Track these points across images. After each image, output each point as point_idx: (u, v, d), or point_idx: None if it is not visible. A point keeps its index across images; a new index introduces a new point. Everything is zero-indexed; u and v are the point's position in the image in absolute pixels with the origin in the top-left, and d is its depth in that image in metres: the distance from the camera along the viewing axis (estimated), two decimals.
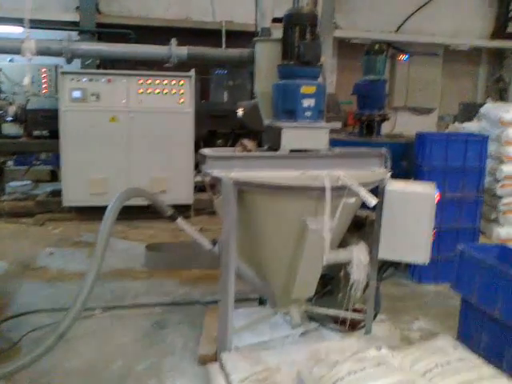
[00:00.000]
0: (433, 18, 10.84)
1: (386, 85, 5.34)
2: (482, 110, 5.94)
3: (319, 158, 3.32)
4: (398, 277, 5.05)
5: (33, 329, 3.78)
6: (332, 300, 3.82)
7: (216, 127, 7.54)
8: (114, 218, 2.96)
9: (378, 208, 3.32)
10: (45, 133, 6.91)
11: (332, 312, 3.70)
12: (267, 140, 3.53)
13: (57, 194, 6.83)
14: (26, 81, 4.14)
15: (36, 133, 6.99)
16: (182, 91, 6.52)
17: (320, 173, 3.07)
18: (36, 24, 9.16)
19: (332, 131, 6.71)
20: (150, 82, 6.40)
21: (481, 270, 3.02)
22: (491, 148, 5.33)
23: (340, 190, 3.00)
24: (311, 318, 3.91)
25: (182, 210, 6.98)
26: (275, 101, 3.38)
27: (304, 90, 3.24)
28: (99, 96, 6.32)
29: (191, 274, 5.04)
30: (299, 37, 3.22)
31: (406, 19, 10.92)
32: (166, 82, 6.45)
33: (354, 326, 3.79)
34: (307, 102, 3.27)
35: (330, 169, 3.21)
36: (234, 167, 3.14)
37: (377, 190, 3.31)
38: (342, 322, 3.81)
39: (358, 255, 3.33)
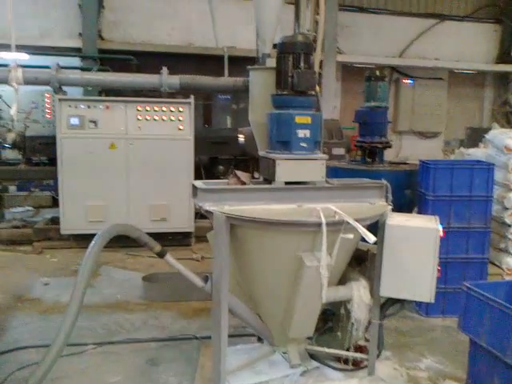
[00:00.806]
0: (436, 42, 10.82)
1: (387, 112, 5.23)
2: (488, 136, 5.81)
3: (316, 191, 3.19)
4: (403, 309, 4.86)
5: (20, 367, 3.63)
6: (333, 337, 3.65)
7: (217, 153, 7.45)
8: (96, 257, 2.83)
9: (379, 243, 3.17)
10: (44, 159, 6.84)
11: (333, 351, 3.52)
12: (262, 171, 3.41)
13: (56, 221, 6.72)
14: (13, 111, 4.06)
15: (35, 159, 6.92)
16: (181, 118, 6.44)
17: (316, 206, 2.94)
18: (40, 50, 9.32)
19: (334, 157, 6.62)
20: (148, 108, 6.33)
21: (490, 310, 2.84)
22: (498, 175, 5.18)
23: (337, 225, 2.86)
24: (312, 355, 3.73)
25: (182, 237, 6.91)
26: (269, 131, 3.28)
27: (298, 120, 3.14)
28: (97, 123, 6.25)
29: (189, 307, 4.87)
30: (293, 66, 3.12)
31: (410, 44, 10.90)
32: (165, 108, 6.37)
33: (357, 364, 3.61)
34: (302, 133, 3.15)
35: (327, 201, 3.08)
36: (226, 200, 3.02)
37: (377, 224, 3.18)
38: (345, 360, 3.64)
39: (358, 293, 3.17)
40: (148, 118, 6.40)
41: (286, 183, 3.20)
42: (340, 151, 7.22)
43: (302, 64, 3.15)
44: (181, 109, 6.46)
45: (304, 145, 3.18)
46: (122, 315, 4.66)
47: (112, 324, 4.46)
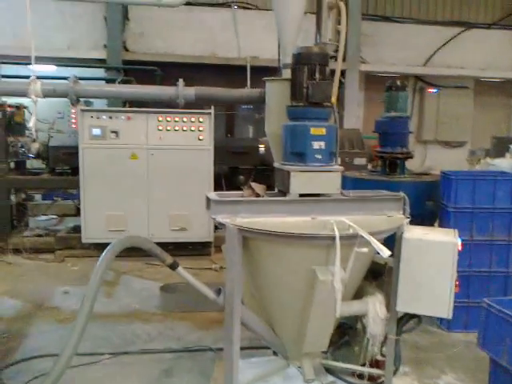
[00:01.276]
0: (462, 50, 10.65)
1: (409, 122, 5.13)
2: None
3: (331, 203, 3.13)
4: (425, 323, 4.71)
5: (35, 376, 3.66)
6: (350, 352, 3.58)
7: (238, 163, 7.45)
8: (107, 268, 2.85)
9: (395, 257, 3.10)
10: (67, 169, 6.95)
11: (349, 366, 3.44)
12: (277, 183, 3.38)
13: (78, 229, 6.81)
14: (31, 123, 4.14)
15: (58, 169, 7.04)
16: (201, 128, 6.48)
17: (330, 219, 2.89)
18: (67, 62, 9.53)
19: (355, 168, 6.52)
20: (169, 119, 6.39)
21: (511, 328, 2.74)
22: None
23: (351, 239, 2.80)
24: (329, 370, 3.66)
25: (202, 247, 6.91)
26: (284, 142, 3.24)
27: (313, 131, 3.09)
28: (119, 133, 6.33)
29: (206, 317, 4.85)
30: (308, 77, 3.08)
31: (435, 52, 10.74)
32: (185, 119, 6.42)
33: (374, 379, 3.52)
34: (317, 144, 3.11)
35: (342, 214, 3.02)
36: (239, 213, 3.00)
37: (394, 237, 3.10)
38: (361, 375, 3.56)
39: (373, 307, 3.10)
40: (169, 128, 6.46)
41: (301, 195, 3.16)
42: (361, 161, 7.14)
43: (317, 75, 3.10)
44: (201, 119, 6.51)
45: (319, 156, 3.13)
46: (138, 325, 4.67)
47: (128, 334, 4.48)
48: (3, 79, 7.71)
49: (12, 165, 7.23)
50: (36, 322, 4.69)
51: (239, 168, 7.50)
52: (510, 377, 2.75)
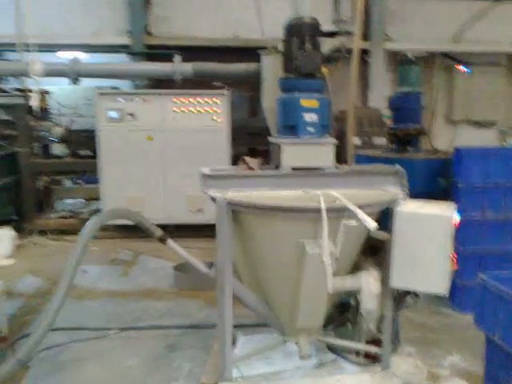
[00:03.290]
0: (494, 25, 10.17)
1: (421, 97, 4.97)
2: None
3: (323, 177, 3.09)
4: (436, 304, 4.61)
5: (46, 347, 3.79)
6: (349, 329, 3.54)
7: (255, 144, 7.42)
8: (90, 236, 2.90)
9: (390, 231, 3.03)
10: (89, 152, 7.11)
11: (345, 343, 3.41)
12: (272, 158, 3.36)
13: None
14: (33, 102, 4.23)
15: (81, 153, 7.20)
16: (216, 109, 6.48)
17: (320, 192, 2.85)
18: (92, 49, 9.69)
19: (375, 147, 6.36)
20: (184, 100, 6.42)
21: (505, 304, 2.64)
22: None
23: (339, 211, 2.77)
24: (331, 348, 3.64)
25: None
26: (277, 116, 3.21)
27: (304, 103, 3.05)
28: (135, 115, 6.41)
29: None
30: (298, 48, 3.03)
31: (464, 28, 10.32)
32: (200, 100, 6.43)
33: (375, 358, 3.48)
34: (309, 117, 3.07)
35: (336, 188, 2.98)
36: (231, 187, 3.00)
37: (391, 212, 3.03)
38: (365, 354, 3.52)
39: (367, 283, 3.05)
40: (184, 109, 6.49)
41: (295, 169, 3.13)
42: (381, 140, 6.97)
43: (307, 46, 3.05)
44: (216, 100, 6.51)
45: (311, 129, 3.09)
46: (149, 302, 4.76)
47: (139, 311, 4.57)
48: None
49: (37, 150, 7.45)
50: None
51: (257, 149, 7.46)
52: (504, 355, 2.65)
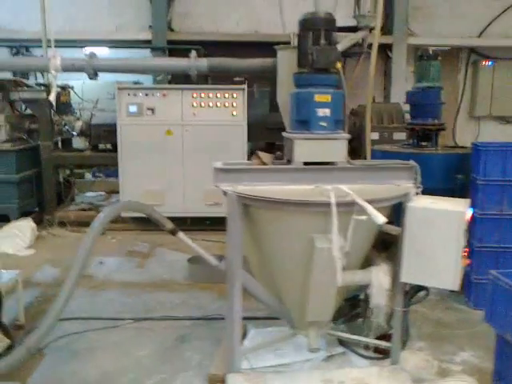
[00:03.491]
0: None
1: (440, 92, 4.90)
2: None
3: (336, 171, 3.09)
4: (451, 300, 4.58)
5: (61, 336, 3.88)
6: (361, 324, 3.54)
7: (273, 139, 7.41)
8: (101, 227, 2.95)
9: (401, 227, 3.02)
10: (108, 146, 7.21)
11: (355, 337, 3.41)
12: (286, 153, 3.36)
13: None
14: (52, 96, 4.31)
15: (101, 146, 7.31)
16: (234, 104, 6.51)
17: (330, 187, 2.85)
18: (116, 44, 9.81)
19: (395, 143, 6.29)
20: (203, 95, 6.46)
21: None
22: None
23: (349, 206, 2.76)
24: (341, 341, 3.64)
25: None
26: (291, 111, 3.21)
27: (318, 98, 3.04)
28: (154, 110, 6.48)
29: None
30: (313, 42, 3.02)
31: (491, 22, 10.11)
32: (219, 95, 6.47)
33: (385, 352, 3.47)
34: (322, 112, 3.06)
35: (348, 183, 2.98)
36: (242, 181, 3.03)
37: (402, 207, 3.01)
38: (375, 348, 3.52)
39: (377, 277, 3.04)
40: (203, 104, 6.53)
41: (308, 164, 3.13)
42: (401, 136, 6.88)
43: (322, 41, 3.04)
44: (235, 95, 6.53)
45: (324, 124, 3.08)
46: (163, 294, 4.82)
47: (152, 302, 4.63)
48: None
49: (59, 144, 7.59)
50: None
51: (275, 144, 7.46)
52: None
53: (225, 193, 3.04)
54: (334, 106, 3.08)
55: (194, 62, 4.24)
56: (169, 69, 4.61)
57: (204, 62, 4.26)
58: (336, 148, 3.11)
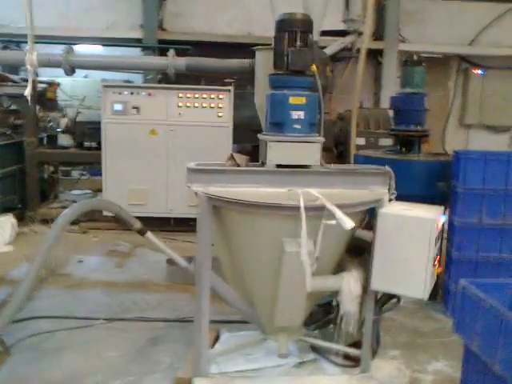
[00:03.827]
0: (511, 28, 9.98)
1: (424, 98, 4.87)
2: None
3: (309, 175, 3.05)
4: (430, 309, 4.55)
5: (32, 334, 3.82)
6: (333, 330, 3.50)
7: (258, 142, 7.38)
8: (65, 224, 2.91)
9: (373, 233, 2.98)
10: (94, 144, 7.15)
11: (326, 344, 3.37)
12: (260, 155, 3.33)
13: None
14: (27, 91, 4.26)
15: (86, 144, 7.25)
16: (221, 105, 6.47)
17: (302, 191, 2.81)
18: (107, 42, 9.76)
19: (379, 148, 6.28)
20: (189, 95, 6.42)
21: (482, 313, 2.56)
22: None
23: (319, 210, 2.72)
24: (314, 348, 3.60)
25: None
26: (266, 113, 3.18)
27: (293, 100, 3.01)
28: (139, 109, 6.43)
29: None
30: (288, 44, 2.99)
31: (481, 31, 10.14)
32: (205, 95, 6.43)
33: (358, 360, 3.43)
34: (296, 114, 3.03)
35: (321, 187, 2.95)
36: (214, 182, 2.99)
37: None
38: (346, 355, 3.48)
39: (347, 284, 3.00)
40: (189, 104, 6.49)
41: (282, 166, 3.10)
42: (387, 142, 6.85)
43: (298, 42, 3.01)
44: (221, 96, 6.50)
45: (298, 126, 3.05)
46: (140, 295, 4.76)
47: (129, 302, 4.58)
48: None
49: (44, 140, 7.52)
50: (45, 286, 4.88)
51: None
52: (481, 364, 2.57)
53: (196, 193, 3.00)
54: (309, 108, 3.06)
55: (172, 61, 4.21)
56: (146, 67, 4.57)
57: (182, 61, 4.23)
58: (310, 151, 3.08)
